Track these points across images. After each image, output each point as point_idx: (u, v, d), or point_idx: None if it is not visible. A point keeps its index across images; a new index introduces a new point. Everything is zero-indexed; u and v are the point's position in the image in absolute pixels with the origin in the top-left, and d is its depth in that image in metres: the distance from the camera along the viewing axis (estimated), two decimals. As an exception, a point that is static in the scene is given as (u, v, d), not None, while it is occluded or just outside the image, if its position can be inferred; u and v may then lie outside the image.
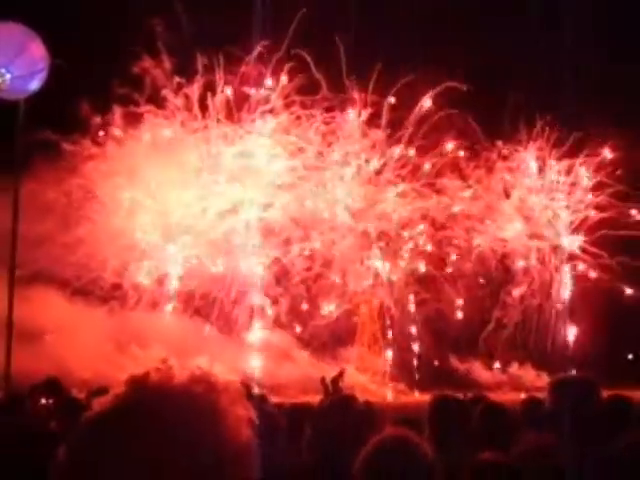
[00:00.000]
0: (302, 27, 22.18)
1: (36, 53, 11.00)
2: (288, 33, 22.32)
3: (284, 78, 23.27)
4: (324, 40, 22.00)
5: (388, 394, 21.27)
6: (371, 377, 22.21)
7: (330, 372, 15.89)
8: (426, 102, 23.44)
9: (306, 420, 4.34)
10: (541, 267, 23.56)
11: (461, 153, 23.57)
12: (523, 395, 12.62)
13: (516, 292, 23.39)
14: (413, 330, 23.19)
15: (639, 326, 20.68)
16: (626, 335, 20.77)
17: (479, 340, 23.14)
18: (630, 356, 20.51)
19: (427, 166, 23.63)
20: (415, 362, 22.92)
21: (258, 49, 22.67)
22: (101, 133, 22.70)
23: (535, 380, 21.43)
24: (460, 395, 5.30)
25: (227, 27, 20.40)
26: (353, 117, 23.56)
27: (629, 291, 22.73)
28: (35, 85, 11.19)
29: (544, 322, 23.31)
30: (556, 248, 23.67)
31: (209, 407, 1.50)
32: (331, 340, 22.76)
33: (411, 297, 23.35)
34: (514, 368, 22.84)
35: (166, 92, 22.95)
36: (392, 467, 3.03)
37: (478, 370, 22.83)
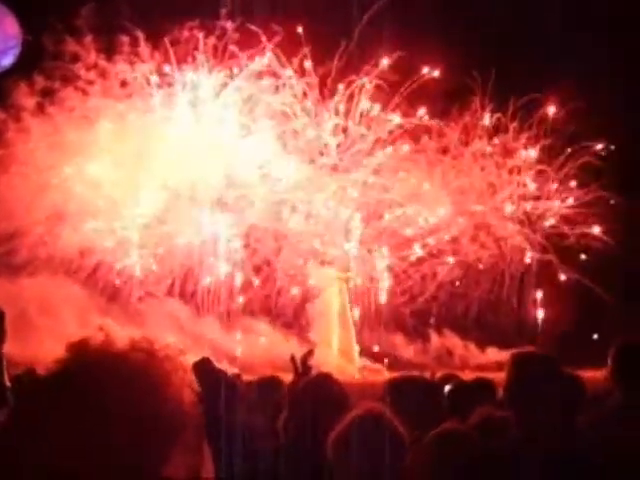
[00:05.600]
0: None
1: (10, 29, 10.55)
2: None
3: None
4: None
5: (356, 372, 21.25)
6: (340, 355, 22.31)
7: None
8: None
9: (275, 393, 4.39)
10: (468, 244, 24.05)
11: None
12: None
13: (442, 269, 23.82)
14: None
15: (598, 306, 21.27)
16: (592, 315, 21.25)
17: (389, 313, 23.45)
18: (595, 336, 20.82)
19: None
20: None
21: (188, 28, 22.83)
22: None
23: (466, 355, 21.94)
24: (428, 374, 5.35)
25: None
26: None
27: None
28: (8, 61, 10.74)
29: (461, 295, 23.80)
30: (483, 225, 24.18)
31: (149, 372, 1.51)
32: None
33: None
34: (434, 340, 23.09)
35: (84, 67, 22.80)
36: (365, 440, 3.06)
37: (402, 346, 23.05)
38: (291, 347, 19.98)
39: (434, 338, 23.09)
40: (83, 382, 1.47)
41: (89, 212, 22.42)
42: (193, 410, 1.56)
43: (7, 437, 1.46)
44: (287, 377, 5.83)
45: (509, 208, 24.29)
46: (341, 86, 23.73)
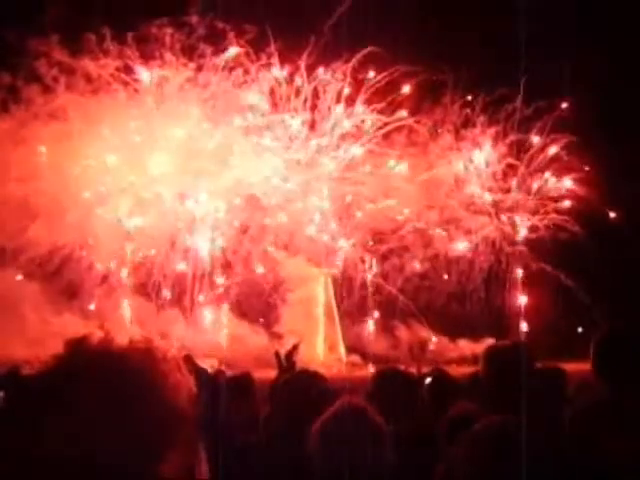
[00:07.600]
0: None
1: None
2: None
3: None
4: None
5: (342, 367, 21.09)
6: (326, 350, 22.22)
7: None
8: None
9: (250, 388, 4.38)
10: (438, 236, 24.11)
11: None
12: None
13: (416, 264, 23.88)
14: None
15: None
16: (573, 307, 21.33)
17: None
18: (580, 329, 20.85)
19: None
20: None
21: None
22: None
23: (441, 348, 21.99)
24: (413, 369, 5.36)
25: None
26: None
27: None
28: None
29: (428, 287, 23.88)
30: (453, 218, 24.27)
31: (146, 371, 1.52)
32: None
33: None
34: (405, 333, 23.09)
35: (49, 63, 22.50)
36: (346, 433, 3.08)
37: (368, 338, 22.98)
38: (262, 340, 19.97)
39: (404, 332, 23.09)
40: (80, 378, 1.47)
41: (57, 208, 22.14)
42: (189, 411, 1.56)
43: (4, 428, 1.47)
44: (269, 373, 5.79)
45: (478, 201, 24.41)
46: (307, 82, 23.77)
